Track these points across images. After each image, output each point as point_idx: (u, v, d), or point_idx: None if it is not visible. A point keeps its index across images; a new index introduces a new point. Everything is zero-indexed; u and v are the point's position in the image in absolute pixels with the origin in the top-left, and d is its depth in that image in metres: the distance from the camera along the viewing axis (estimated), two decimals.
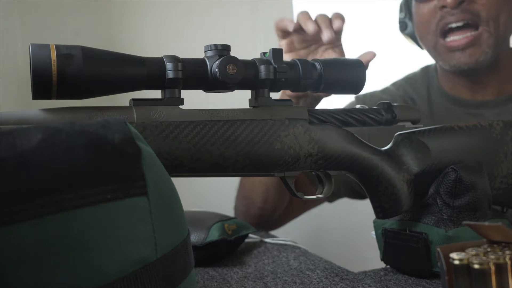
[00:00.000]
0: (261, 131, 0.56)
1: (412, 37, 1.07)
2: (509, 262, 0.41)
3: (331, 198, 1.13)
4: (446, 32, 0.96)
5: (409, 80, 1.14)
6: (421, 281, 0.62)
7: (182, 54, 0.54)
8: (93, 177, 0.34)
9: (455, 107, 1.05)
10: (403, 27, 1.06)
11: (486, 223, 0.45)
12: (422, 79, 1.12)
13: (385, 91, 1.14)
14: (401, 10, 1.07)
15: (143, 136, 0.46)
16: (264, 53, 0.58)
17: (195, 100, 0.61)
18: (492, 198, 0.69)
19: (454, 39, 0.95)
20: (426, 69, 1.14)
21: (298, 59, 0.59)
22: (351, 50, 0.89)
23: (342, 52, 0.86)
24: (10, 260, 0.31)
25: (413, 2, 1.02)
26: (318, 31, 0.82)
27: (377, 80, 1.04)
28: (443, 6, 0.93)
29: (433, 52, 1.01)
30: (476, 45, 0.94)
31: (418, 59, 1.18)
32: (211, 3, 1.46)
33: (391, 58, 1.22)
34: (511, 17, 0.97)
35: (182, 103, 0.54)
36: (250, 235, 0.89)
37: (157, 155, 0.41)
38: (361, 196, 1.07)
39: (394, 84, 1.15)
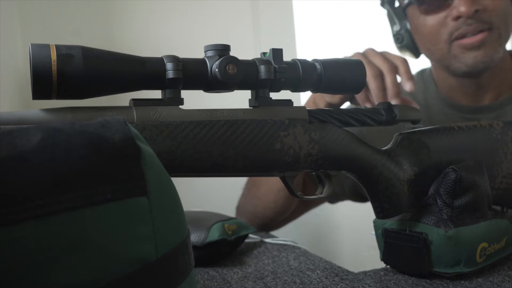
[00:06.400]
0: (261, 131, 0.56)
1: (410, 48, 1.05)
2: None
3: (333, 200, 1.13)
4: (461, 37, 0.95)
5: None
6: (421, 281, 0.62)
7: (182, 54, 0.54)
8: (93, 177, 0.34)
9: (452, 112, 1.06)
10: (399, 39, 1.04)
11: None
12: (418, 83, 1.12)
13: None
14: (393, 23, 1.05)
15: (143, 136, 0.46)
16: (264, 53, 0.58)
17: (195, 100, 0.61)
18: (492, 198, 0.69)
19: (470, 38, 0.94)
20: (421, 73, 1.15)
21: (298, 59, 0.59)
22: (350, 52, 0.89)
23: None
24: (10, 260, 0.31)
25: (415, 14, 1.00)
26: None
27: None
28: (458, 17, 0.92)
29: (446, 58, 0.99)
30: (488, 43, 0.93)
31: (415, 62, 1.18)
32: (211, 3, 1.46)
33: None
34: None
35: (182, 103, 0.54)
36: (250, 235, 0.89)
37: (157, 155, 0.41)
38: (364, 200, 1.07)
39: None
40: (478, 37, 0.93)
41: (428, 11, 0.96)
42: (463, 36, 0.94)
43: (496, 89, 1.04)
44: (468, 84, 1.03)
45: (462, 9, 0.91)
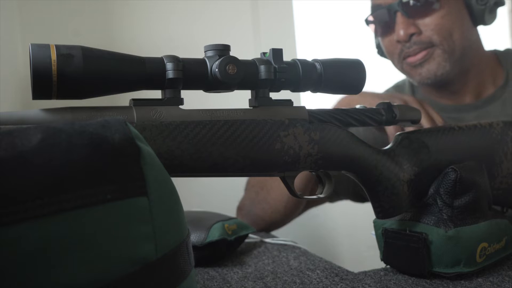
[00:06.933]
0: (261, 131, 0.56)
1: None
2: None
3: (332, 198, 1.14)
4: (407, 57, 1.02)
5: (398, 87, 1.20)
6: (421, 281, 0.62)
7: (182, 54, 0.54)
8: (93, 177, 0.34)
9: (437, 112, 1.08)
10: (380, 51, 1.13)
11: None
12: (409, 87, 1.17)
13: None
14: (374, 37, 1.13)
15: (143, 136, 0.46)
16: (264, 53, 0.58)
17: (195, 100, 0.61)
18: (492, 198, 0.69)
19: (412, 57, 1.02)
20: None
21: (298, 59, 0.59)
22: (349, 52, 0.89)
23: None
24: (10, 260, 0.31)
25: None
26: None
27: (376, 83, 1.07)
28: (398, 41, 1.00)
29: (403, 73, 1.08)
30: (430, 59, 1.00)
31: None
32: (211, 3, 1.46)
33: (388, 62, 1.24)
34: (466, 30, 1.02)
35: (182, 103, 0.54)
36: (250, 235, 0.89)
37: (157, 155, 0.41)
38: (364, 200, 1.07)
39: (386, 92, 1.20)
40: (418, 56, 1.00)
41: (381, 34, 1.06)
42: (408, 56, 1.01)
43: (474, 92, 1.08)
44: (440, 91, 1.08)
45: (399, 34, 0.99)
